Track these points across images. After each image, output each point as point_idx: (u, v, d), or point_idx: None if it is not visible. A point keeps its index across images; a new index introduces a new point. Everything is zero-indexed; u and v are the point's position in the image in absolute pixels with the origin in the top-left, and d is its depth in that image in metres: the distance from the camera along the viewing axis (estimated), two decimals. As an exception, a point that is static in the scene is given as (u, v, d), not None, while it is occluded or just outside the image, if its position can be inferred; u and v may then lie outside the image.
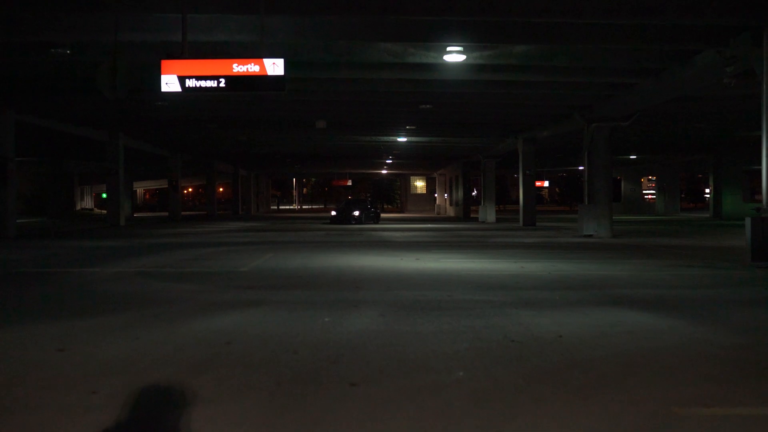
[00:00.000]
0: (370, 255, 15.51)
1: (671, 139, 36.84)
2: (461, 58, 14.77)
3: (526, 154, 31.55)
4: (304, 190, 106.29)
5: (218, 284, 10.31)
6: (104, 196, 46.41)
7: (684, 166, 55.76)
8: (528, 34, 13.52)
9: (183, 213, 54.71)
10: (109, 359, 5.46)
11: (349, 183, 68.60)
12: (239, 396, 4.47)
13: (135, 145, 34.85)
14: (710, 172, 45.48)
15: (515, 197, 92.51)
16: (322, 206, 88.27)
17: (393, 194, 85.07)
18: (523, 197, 32.16)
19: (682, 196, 67.82)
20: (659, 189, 55.69)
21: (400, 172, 66.73)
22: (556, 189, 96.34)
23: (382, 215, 53.80)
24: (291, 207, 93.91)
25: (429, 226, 33.45)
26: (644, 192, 62.75)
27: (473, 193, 58.67)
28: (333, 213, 36.99)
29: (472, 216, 45.97)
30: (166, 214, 46.34)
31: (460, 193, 49.03)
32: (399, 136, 33.12)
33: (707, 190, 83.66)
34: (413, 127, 29.55)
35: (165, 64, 11.43)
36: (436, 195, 65.71)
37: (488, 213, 38.76)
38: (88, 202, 70.71)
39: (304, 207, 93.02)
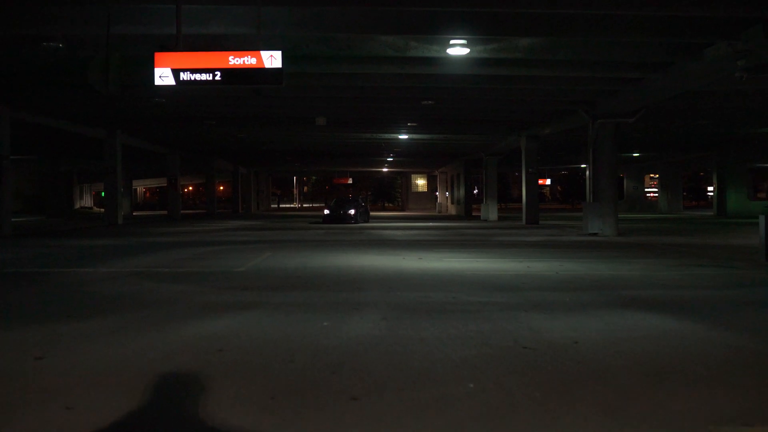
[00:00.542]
0: (371, 254, 15.12)
1: (675, 137, 36.46)
2: (465, 51, 14.35)
3: (529, 152, 31.14)
4: (305, 188, 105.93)
5: (213, 285, 9.91)
6: (104, 194, 46.12)
7: (687, 164, 55.37)
8: (534, 26, 13.09)
9: (183, 211, 54.35)
10: (90, 369, 5.06)
11: (350, 181, 68.18)
12: (229, 411, 4.07)
13: (133, 143, 34.43)
14: (714, 169, 45.08)
15: (516, 195, 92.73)
16: (323, 204, 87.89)
17: (394, 192, 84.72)
18: (526, 195, 31.76)
19: (684, 194, 67.35)
20: (662, 187, 55.32)
21: (401, 170, 66.36)
22: (558, 187, 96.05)
23: (383, 214, 53.46)
24: (292, 205, 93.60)
25: (431, 224, 33.04)
26: (646, 190, 62.41)
27: (474, 192, 58.33)
28: (326, 212, 34.83)
29: (473, 214, 45.55)
30: (166, 212, 45.93)
31: (462, 191, 48.63)
32: (400, 133, 32.69)
33: (710, 188, 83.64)
34: (415, 124, 29.14)
35: (159, 56, 11.02)
36: (437, 193, 65.29)
37: (490, 211, 38.34)
38: (87, 201, 70.31)
39: (304, 205, 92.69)
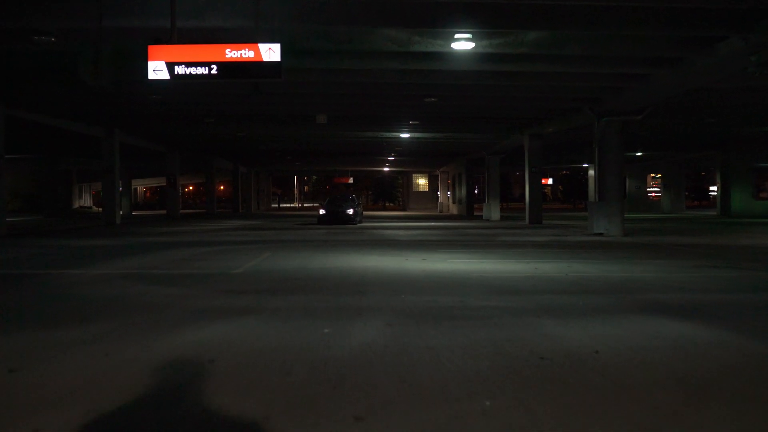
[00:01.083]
0: (374, 255, 14.67)
1: (679, 136, 36.07)
2: (470, 46, 13.92)
3: (533, 150, 30.70)
4: (306, 188, 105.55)
5: (208, 288, 9.46)
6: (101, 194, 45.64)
7: (690, 163, 54.93)
8: (541, 18, 12.66)
9: (182, 211, 53.94)
10: (66, 383, 4.61)
11: (351, 180, 67.71)
12: (217, 434, 3.63)
13: (132, 142, 34.00)
14: (717, 169, 44.62)
15: (518, 195, 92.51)
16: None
17: (395, 192, 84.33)
18: (529, 194, 31.32)
19: (687, 193, 66.93)
20: (665, 186, 54.90)
21: (403, 169, 65.93)
22: (559, 186, 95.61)
23: (384, 213, 53.04)
24: (292, 205, 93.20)
25: (433, 224, 32.59)
26: (648, 190, 61.98)
27: (474, 191, 57.88)
28: (321, 211, 31.99)
29: (475, 214, 45.08)
30: (165, 212, 45.48)
31: (464, 191, 48.19)
32: (402, 131, 32.25)
33: (712, 188, 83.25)
34: (416, 122, 28.71)
35: (152, 49, 10.63)
36: (438, 193, 64.85)
37: (492, 211, 37.90)
38: (86, 200, 69.90)
39: (305, 205, 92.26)
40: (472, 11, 12.26)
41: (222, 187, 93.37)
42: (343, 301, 8.15)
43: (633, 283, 9.98)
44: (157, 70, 10.54)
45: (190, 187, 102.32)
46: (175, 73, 10.53)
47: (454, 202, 54.14)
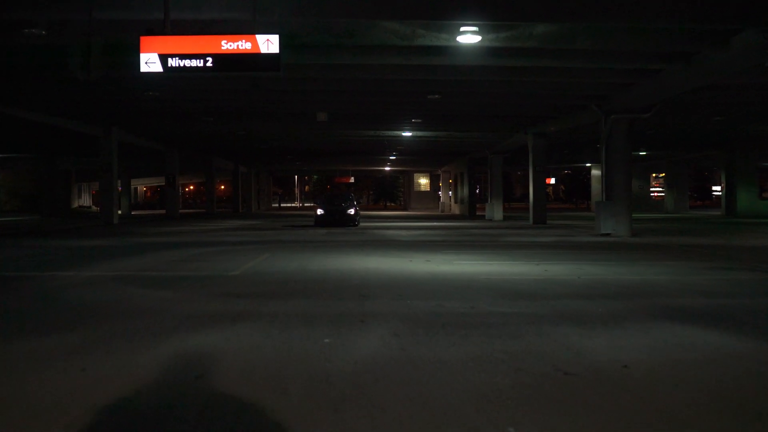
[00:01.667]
0: (376, 256, 14.15)
1: (684, 134, 35.50)
2: (476, 39, 13.39)
3: (536, 149, 30.20)
4: (306, 187, 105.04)
5: (202, 292, 8.94)
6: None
7: (692, 163, 54.42)
8: (551, 10, 12.15)
9: (182, 211, 53.45)
10: (33, 404, 4.10)
11: (352, 180, 67.17)
12: (201, 470, 3.13)
13: (130, 140, 33.51)
14: (722, 168, 44.16)
15: (519, 195, 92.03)
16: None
17: (396, 192, 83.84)
18: (533, 194, 30.81)
19: (690, 193, 66.39)
20: (668, 186, 54.40)
21: (404, 169, 65.41)
22: (561, 186, 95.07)
23: (386, 213, 52.54)
24: (293, 205, 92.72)
25: (435, 224, 32.06)
26: (651, 189, 61.48)
27: (476, 191, 57.31)
28: (319, 212, 28.45)
29: (478, 214, 44.56)
30: (164, 212, 44.99)
31: (466, 191, 47.69)
32: (404, 130, 31.74)
33: (715, 188, 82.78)
34: (419, 120, 28.18)
35: (144, 41, 10.13)
36: (440, 192, 64.33)
37: (495, 211, 37.41)
38: (86, 200, 69.55)
39: (305, 205, 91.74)
40: (479, 2, 11.76)
41: (222, 187, 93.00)
42: (344, 307, 7.64)
43: (649, 286, 9.47)
44: (149, 62, 10.04)
45: (191, 187, 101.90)
46: (169, 65, 10.03)
47: (455, 202, 53.64)
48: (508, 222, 33.37)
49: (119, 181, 50.65)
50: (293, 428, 3.66)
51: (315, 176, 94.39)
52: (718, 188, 79.98)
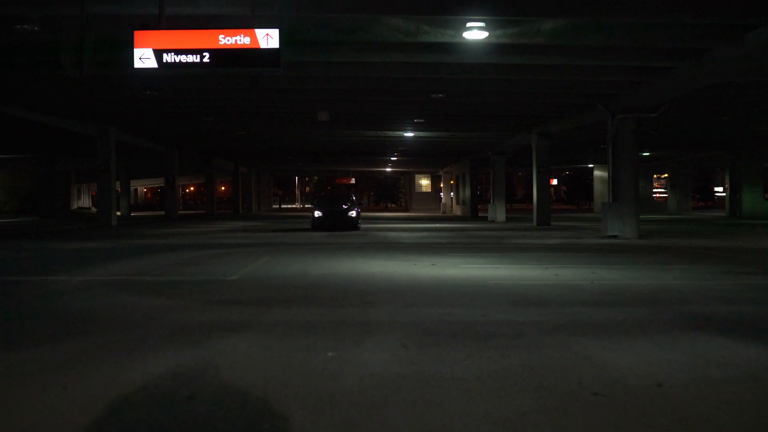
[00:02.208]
0: (379, 259, 13.72)
1: (689, 135, 35.07)
2: (482, 35, 12.96)
3: (540, 150, 29.77)
4: (307, 188, 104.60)
5: (198, 298, 8.50)
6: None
7: (697, 164, 54.00)
8: (561, 4, 11.75)
9: (182, 212, 53.08)
10: (6, 429, 3.68)
11: (353, 181, 66.77)
12: None
13: (129, 141, 33.10)
14: (726, 169, 43.76)
15: (521, 196, 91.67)
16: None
17: (397, 193, 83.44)
18: (537, 195, 30.36)
19: (692, 194, 65.94)
20: (672, 187, 54.00)
21: (405, 170, 65.05)
22: (563, 187, 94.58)
23: (387, 215, 52.10)
24: (293, 206, 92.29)
25: (437, 225, 31.62)
26: (653, 190, 61.05)
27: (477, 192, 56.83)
28: (316, 213, 25.72)
29: (479, 215, 44.10)
30: (164, 213, 44.60)
31: (468, 192, 47.29)
32: (406, 130, 31.32)
33: (717, 189, 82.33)
34: (421, 120, 27.75)
35: (139, 35, 9.70)
36: (441, 194, 63.93)
37: (498, 212, 36.99)
38: (85, 201, 69.07)
39: (306, 206, 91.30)
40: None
41: (223, 188, 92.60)
42: (348, 315, 7.21)
43: (667, 292, 9.02)
44: (143, 58, 9.61)
45: (191, 188, 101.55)
46: (164, 61, 9.60)
47: (457, 203, 53.26)
48: (512, 223, 32.93)
49: (118, 182, 50.39)
50: (294, 461, 3.23)
51: (315, 177, 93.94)
52: (720, 189, 79.77)
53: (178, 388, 4.41)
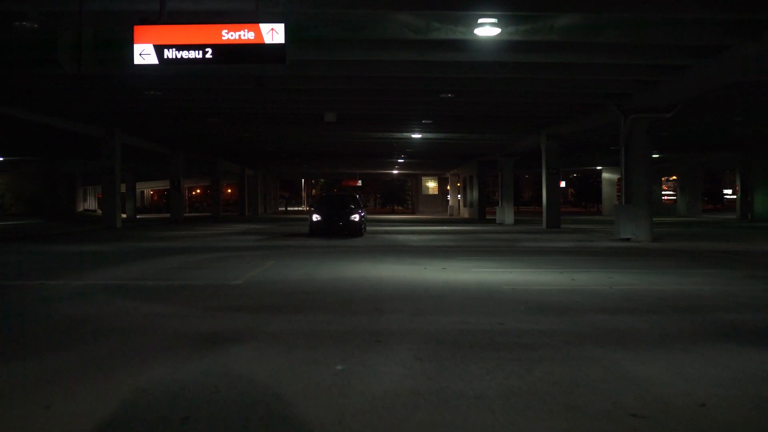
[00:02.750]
0: (387, 263, 13.31)
1: (700, 136, 34.53)
2: (495, 32, 12.54)
3: (550, 151, 29.30)
4: (313, 191, 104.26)
5: (200, 305, 8.10)
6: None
7: (706, 166, 53.43)
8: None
9: (188, 214, 52.80)
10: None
11: (359, 183, 66.37)
12: None
13: (134, 143, 32.76)
14: (737, 171, 43.23)
15: (527, 198, 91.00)
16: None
17: (404, 195, 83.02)
18: (546, 197, 29.87)
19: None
20: (681, 189, 53.47)
21: (412, 172, 64.58)
22: (570, 190, 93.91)
23: (394, 217, 51.66)
24: (300, 208, 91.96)
25: (446, 228, 31.18)
26: (661, 193, 60.53)
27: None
28: (315, 217, 23.04)
29: (487, 217, 43.65)
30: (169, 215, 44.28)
31: (475, 194, 46.84)
32: (413, 132, 30.88)
33: (726, 191, 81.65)
34: (429, 122, 27.31)
35: (139, 30, 9.32)
36: (448, 196, 63.48)
37: (506, 214, 36.57)
38: (91, 203, 68.87)
39: (312, 208, 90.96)
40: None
41: (229, 191, 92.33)
42: (357, 323, 6.80)
43: (692, 299, 8.58)
44: (144, 54, 9.23)
45: (197, 191, 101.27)
46: (165, 57, 9.22)
47: (464, 206, 52.83)
48: (520, 226, 32.48)
49: (124, 185, 50.14)
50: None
51: (322, 180, 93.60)
52: (730, 191, 79.13)
53: (172, 408, 4.01)
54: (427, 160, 49.57)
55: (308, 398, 4.21)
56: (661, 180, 58.55)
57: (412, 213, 67.66)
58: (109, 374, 4.81)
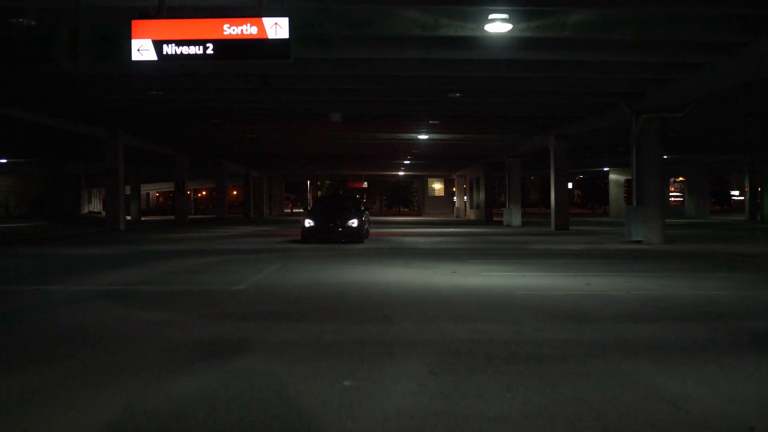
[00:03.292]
0: (395, 266, 12.92)
1: (709, 136, 34.04)
2: (506, 28, 12.14)
3: (559, 152, 28.87)
4: (319, 192, 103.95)
5: (200, 311, 7.73)
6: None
7: (713, 167, 52.95)
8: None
9: (193, 216, 52.48)
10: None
11: (365, 185, 66.06)
12: None
13: (138, 144, 32.45)
14: (746, 172, 42.79)
15: (534, 200, 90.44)
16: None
17: (410, 197, 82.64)
18: (555, 199, 29.43)
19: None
20: (689, 191, 53.00)
21: (418, 173, 64.19)
22: (577, 191, 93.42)
23: (400, 219, 51.23)
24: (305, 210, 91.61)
25: (453, 230, 30.74)
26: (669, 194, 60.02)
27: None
28: (307, 223, 20.51)
29: (494, 219, 43.22)
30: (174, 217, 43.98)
31: (482, 196, 46.41)
32: (420, 133, 30.48)
33: (734, 192, 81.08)
34: (437, 122, 26.90)
35: (137, 25, 8.97)
36: (455, 198, 63.06)
37: (513, 216, 36.15)
38: (96, 205, 68.64)
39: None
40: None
41: (235, 192, 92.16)
42: (366, 332, 6.42)
43: (714, 305, 8.17)
44: (142, 49, 8.88)
45: (203, 192, 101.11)
46: (164, 53, 8.86)
47: (471, 207, 52.43)
48: (528, 228, 32.06)
49: (128, 186, 49.84)
50: None
51: (327, 181, 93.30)
52: (737, 192, 78.57)
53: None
54: (433, 161, 49.18)
55: (314, 420, 3.83)
56: (669, 181, 58.05)
57: (418, 215, 67.23)
58: (95, 391, 4.42)
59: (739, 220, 41.87)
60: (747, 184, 42.30)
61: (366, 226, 21.67)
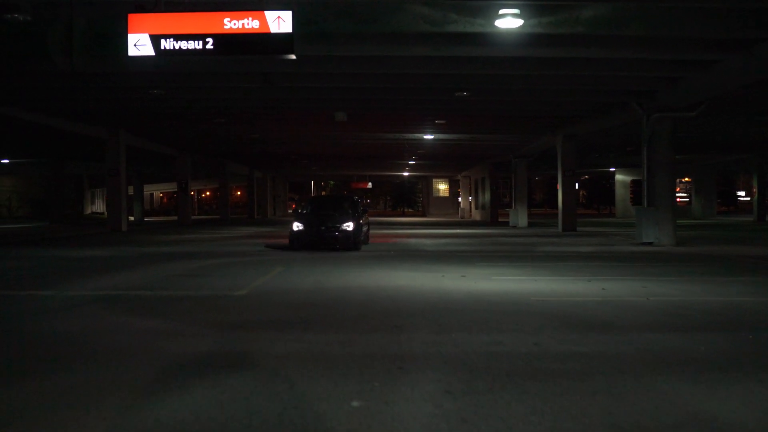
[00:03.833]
0: (402, 270, 12.51)
1: (717, 136, 33.57)
2: (517, 23, 11.72)
3: (566, 152, 28.46)
4: (323, 193, 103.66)
5: (198, 319, 7.33)
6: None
7: (720, 167, 52.52)
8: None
9: (196, 217, 52.14)
10: None
11: (369, 185, 65.65)
12: None
13: (140, 145, 32.16)
14: (754, 172, 42.37)
15: (539, 200, 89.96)
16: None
17: (414, 197, 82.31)
18: (562, 199, 29.00)
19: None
20: (696, 191, 52.60)
21: (423, 174, 63.85)
22: (582, 192, 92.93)
23: (405, 220, 50.80)
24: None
25: (459, 231, 30.32)
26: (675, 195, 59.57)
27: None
28: (296, 227, 17.99)
29: (500, 220, 42.77)
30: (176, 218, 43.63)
31: (487, 196, 46.03)
32: (425, 132, 30.09)
33: (740, 193, 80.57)
34: (442, 122, 26.51)
35: (133, 19, 8.58)
36: (460, 198, 62.67)
37: (519, 217, 35.71)
38: (99, 206, 68.37)
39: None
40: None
41: (239, 193, 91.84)
42: (374, 343, 6.01)
43: (740, 312, 7.76)
44: (139, 44, 8.49)
45: (207, 193, 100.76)
46: (162, 48, 8.47)
47: (476, 208, 52.06)
48: (535, 229, 31.62)
49: (131, 187, 49.52)
50: None
51: (331, 182, 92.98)
52: (743, 193, 78.08)
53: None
54: (438, 161, 48.79)
55: (319, 450, 3.43)
56: (675, 181, 57.64)
57: (423, 215, 66.85)
58: (73, 416, 4.01)
59: (747, 220, 41.45)
60: (755, 184, 41.86)
61: (365, 230, 19.40)
